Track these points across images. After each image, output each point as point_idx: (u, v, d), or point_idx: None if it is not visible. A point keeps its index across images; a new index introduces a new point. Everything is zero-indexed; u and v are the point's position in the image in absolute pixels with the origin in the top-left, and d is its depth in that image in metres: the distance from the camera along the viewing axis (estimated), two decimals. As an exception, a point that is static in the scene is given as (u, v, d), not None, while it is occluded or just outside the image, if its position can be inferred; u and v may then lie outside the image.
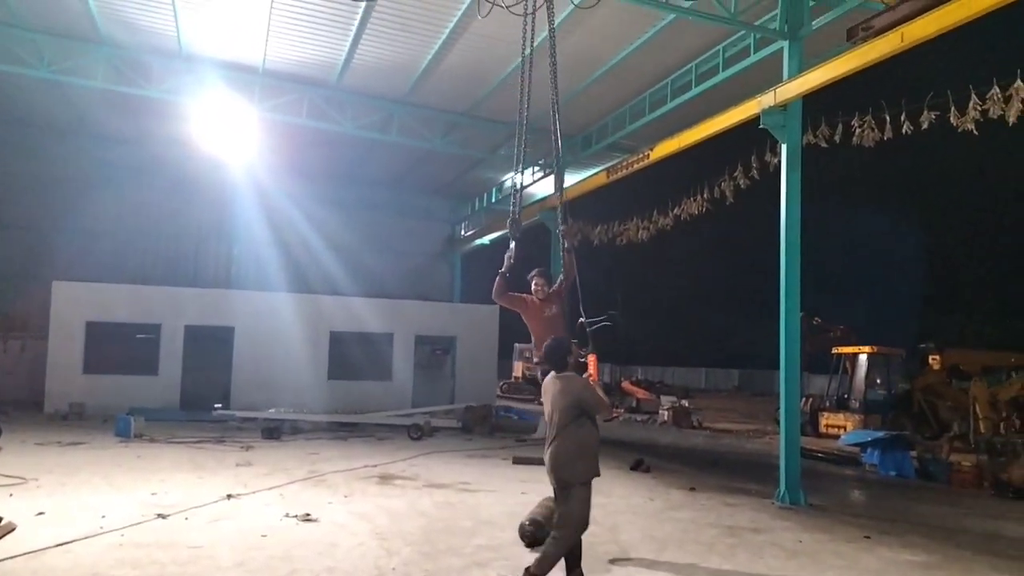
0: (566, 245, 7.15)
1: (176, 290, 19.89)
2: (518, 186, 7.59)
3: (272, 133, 17.80)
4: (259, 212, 22.56)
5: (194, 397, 18.57)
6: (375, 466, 12.09)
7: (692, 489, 11.32)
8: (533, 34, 6.95)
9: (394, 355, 21.24)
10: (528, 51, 6.94)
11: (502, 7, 6.53)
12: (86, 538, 6.95)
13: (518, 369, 41.70)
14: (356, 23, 13.64)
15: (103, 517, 7.76)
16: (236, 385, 19.21)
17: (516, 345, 42.06)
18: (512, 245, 7.14)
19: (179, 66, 15.57)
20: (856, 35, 8.63)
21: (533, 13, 6.81)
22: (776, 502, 10.55)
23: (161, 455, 12.39)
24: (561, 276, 7.25)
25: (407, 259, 26.40)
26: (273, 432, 15.12)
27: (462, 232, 26.96)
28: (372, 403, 19.31)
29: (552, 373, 5.89)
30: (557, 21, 12.92)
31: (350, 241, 24.49)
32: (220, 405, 17.86)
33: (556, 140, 7.48)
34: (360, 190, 25.04)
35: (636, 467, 13.00)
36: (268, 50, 15.05)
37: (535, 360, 7.35)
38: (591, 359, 5.97)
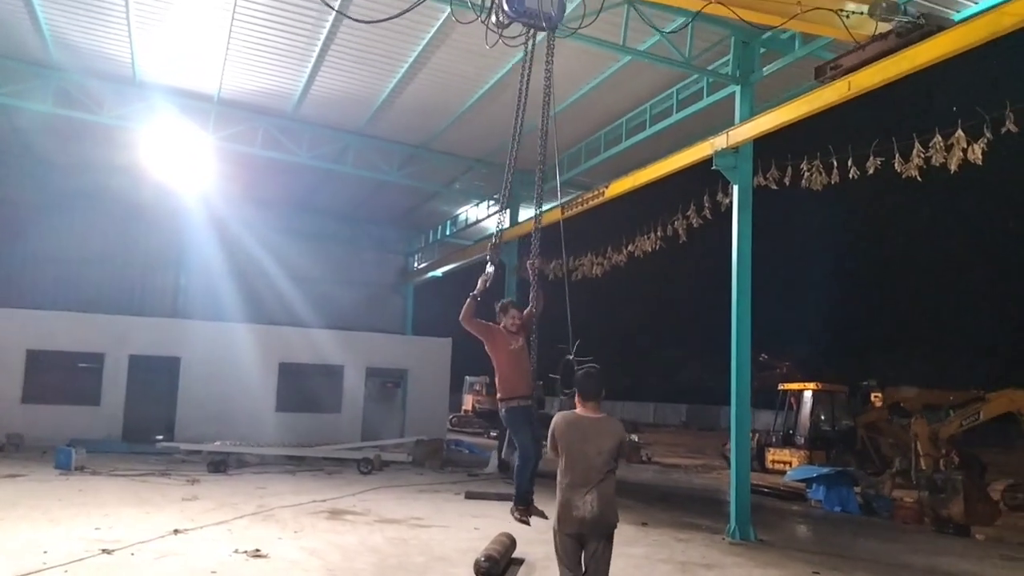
0: (536, 279, 6.95)
1: (121, 318, 19.46)
2: (505, 208, 7.12)
3: (225, 161, 17.63)
4: (210, 240, 22.23)
5: (137, 429, 18.11)
6: (324, 501, 11.90)
7: (644, 524, 11.38)
8: (531, 69, 6.73)
9: (344, 387, 20.99)
10: (524, 86, 6.79)
11: (501, 37, 6.48)
12: (28, 575, 6.71)
13: (468, 402, 41.53)
14: (315, 54, 13.65)
15: (45, 553, 7.51)
16: (181, 417, 18.79)
17: (466, 378, 41.92)
18: (489, 269, 6.89)
19: (132, 93, 15.39)
20: (824, 74, 8.87)
21: (533, 47, 6.73)
22: (727, 537, 10.66)
23: (104, 488, 12.04)
24: (530, 308, 7.07)
25: (360, 289, 26.22)
26: (219, 465, 14.80)
27: (415, 264, 26.92)
28: (321, 436, 19.03)
29: (579, 408, 5.45)
30: (514, 61, 13.21)
31: (302, 271, 24.25)
32: (161, 437, 17.42)
33: (540, 175, 7.19)
34: (313, 219, 24.87)
35: (587, 502, 13.02)
36: (224, 79, 14.97)
37: (498, 395, 7.02)
38: (578, 401, 5.64)
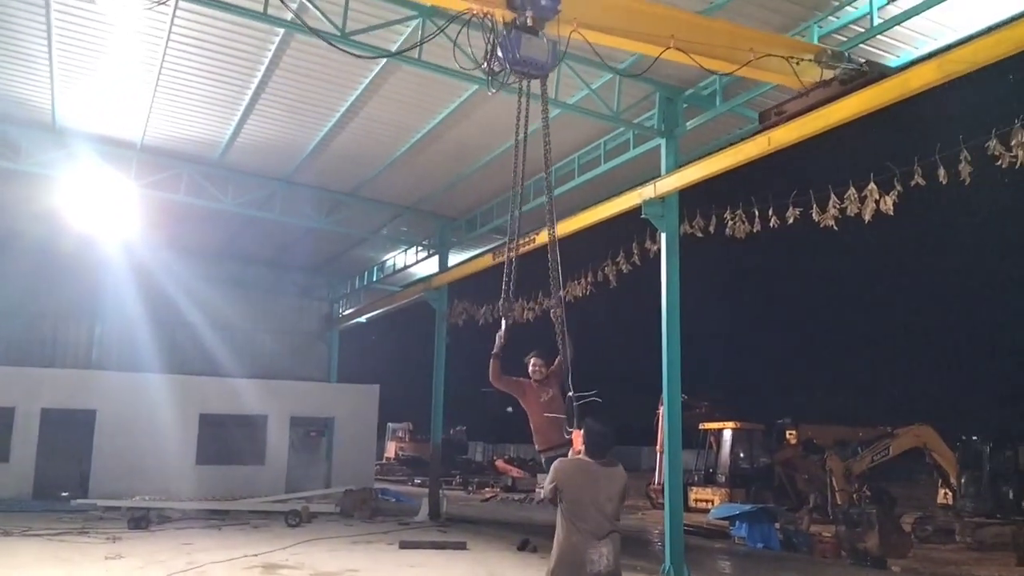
0: (562, 327, 6.64)
1: (31, 371, 18.67)
2: (513, 262, 6.86)
3: (147, 208, 17.19)
4: (129, 289, 21.45)
5: (50, 486, 17.28)
6: (256, 555, 11.63)
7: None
8: (527, 113, 6.67)
9: (268, 437, 20.53)
10: (522, 133, 6.75)
11: (495, 83, 6.50)
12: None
13: (391, 449, 41.07)
14: (245, 103, 13.62)
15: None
16: (97, 472, 18.02)
17: (389, 425, 41.48)
18: (504, 324, 6.76)
19: (51, 139, 14.98)
20: (769, 118, 9.27)
21: (527, 91, 6.70)
22: (662, 577, 10.88)
23: (18, 549, 11.47)
24: (558, 358, 6.87)
25: (283, 337, 25.73)
26: (140, 521, 14.27)
27: (341, 310, 26.68)
28: (244, 488, 18.56)
29: (583, 455, 5.18)
30: (447, 111, 13.51)
31: (224, 319, 23.68)
32: (68, 493, 16.65)
33: (551, 221, 6.89)
34: (236, 266, 24.39)
35: (523, 547, 13.08)
36: (149, 126, 14.74)
37: (537, 447, 6.89)
38: (576, 434, 5.47)
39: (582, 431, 5.24)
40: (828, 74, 8.44)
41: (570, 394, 5.95)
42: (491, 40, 6.24)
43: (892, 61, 10.38)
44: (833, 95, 8.48)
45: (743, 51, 7.80)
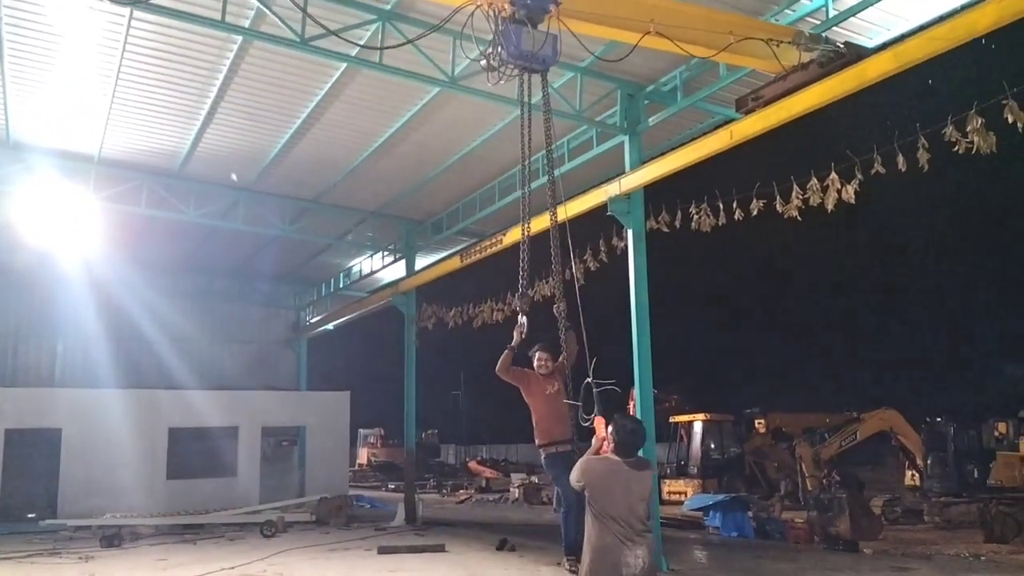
0: (566, 324, 6.86)
1: (-8, 391, 18.24)
2: (526, 256, 6.97)
3: (107, 221, 16.88)
4: (89, 305, 21.11)
5: (16, 507, 16.89)
6: (233, 568, 11.47)
7: (559, 564, 11.53)
8: (530, 107, 6.80)
9: (239, 449, 20.26)
10: (527, 125, 6.92)
11: (495, 73, 6.52)
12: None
13: (363, 456, 40.88)
14: (204, 112, 13.46)
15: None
16: (65, 491, 17.63)
17: (360, 431, 41.28)
18: (522, 319, 6.87)
19: (6, 154, 14.67)
20: (746, 104, 9.25)
21: (529, 80, 6.73)
22: (641, 570, 10.96)
23: (-13, 575, 11.23)
24: (562, 355, 7.07)
25: (251, 347, 25.49)
26: (113, 539, 14.02)
27: (308, 318, 26.47)
28: (217, 501, 18.30)
29: (611, 455, 5.11)
30: (409, 114, 13.47)
31: (190, 331, 23.39)
32: (34, 515, 16.30)
33: (554, 216, 7.07)
34: (200, 278, 24.13)
35: (501, 547, 13.07)
36: (106, 139, 14.49)
37: (537, 442, 7.53)
38: (599, 421, 5.45)
39: (611, 429, 5.17)
40: (806, 57, 8.43)
41: (587, 380, 5.95)
42: (494, 34, 6.29)
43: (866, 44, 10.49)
44: (811, 78, 8.41)
45: (722, 35, 7.79)
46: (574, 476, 5.13)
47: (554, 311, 6.88)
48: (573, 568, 6.87)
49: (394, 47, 9.76)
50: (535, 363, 7.30)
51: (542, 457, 7.27)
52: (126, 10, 10.13)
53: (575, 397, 6.41)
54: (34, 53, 11.59)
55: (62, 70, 12.05)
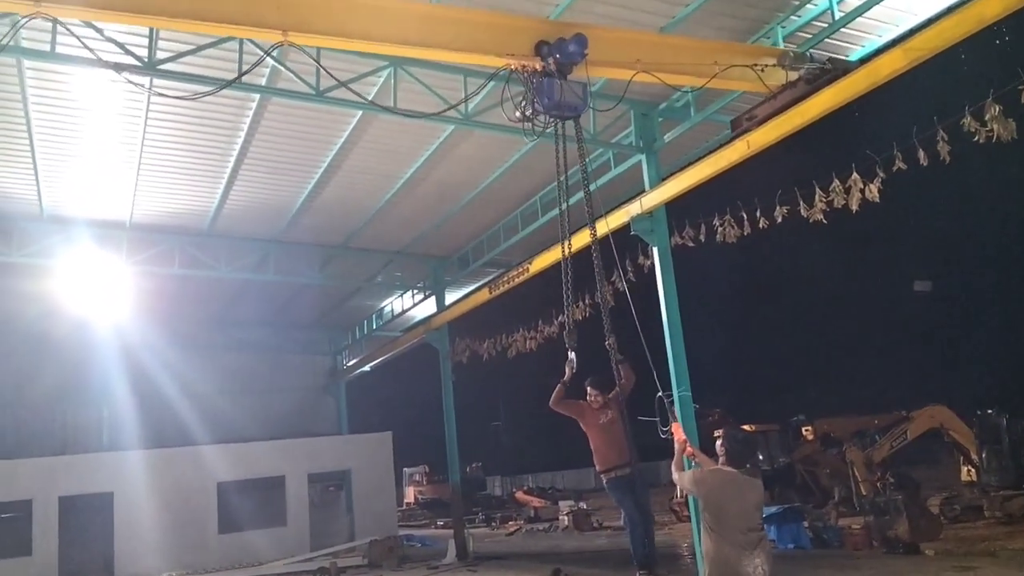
0: (619, 357, 7.20)
1: (46, 460, 18.52)
2: (568, 298, 7.35)
3: (142, 283, 17.28)
4: (130, 367, 21.48)
5: (75, 572, 17.12)
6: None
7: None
8: (566, 153, 7.15)
9: (287, 497, 20.38)
10: (563, 167, 7.23)
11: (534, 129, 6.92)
12: None
13: (410, 494, 40.77)
14: (228, 170, 13.75)
15: None
16: (120, 554, 17.83)
17: (404, 470, 41.21)
18: (571, 356, 7.18)
19: (41, 229, 15.07)
20: (740, 125, 9.42)
21: (563, 133, 7.12)
22: (700, 589, 10.82)
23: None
24: (619, 386, 7.48)
25: (290, 396, 25.69)
26: (171, 598, 14.18)
27: (344, 362, 26.67)
28: (269, 552, 18.41)
29: (722, 465, 5.26)
30: (427, 154, 13.65)
31: (230, 384, 23.66)
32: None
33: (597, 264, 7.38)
34: (236, 331, 24.41)
35: (555, 577, 13.00)
36: (136, 205, 14.86)
37: (597, 468, 8.02)
38: (676, 427, 5.74)
39: (721, 441, 5.34)
40: (793, 75, 8.63)
41: (659, 394, 6.28)
42: (528, 89, 6.73)
43: (858, 52, 10.57)
44: (800, 95, 8.65)
45: (707, 64, 7.97)
46: (687, 482, 5.38)
47: (606, 346, 7.18)
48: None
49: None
50: (588, 396, 7.78)
51: (604, 482, 7.73)
52: (146, 79, 10.43)
53: (647, 413, 6.63)
54: (61, 128, 11.98)
55: (88, 142, 12.44)
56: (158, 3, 6.18)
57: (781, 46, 9.71)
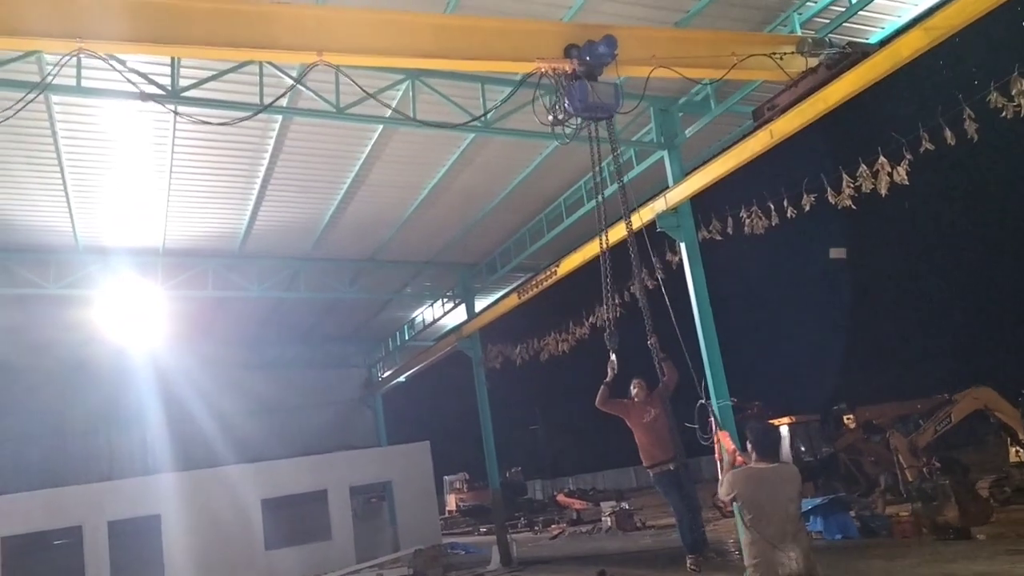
0: (662, 355, 7.42)
1: (93, 487, 18.83)
2: (608, 297, 7.50)
3: (177, 307, 17.58)
4: (169, 391, 21.80)
5: (127, 597, 17.39)
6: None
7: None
8: (600, 152, 7.26)
9: (330, 511, 20.52)
10: (597, 168, 7.34)
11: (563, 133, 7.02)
12: None
13: (451, 502, 40.85)
14: (255, 191, 13.93)
15: None
16: (170, 574, 18.11)
17: (444, 478, 41.33)
18: (612, 357, 7.45)
19: (77, 260, 15.38)
20: (763, 115, 9.33)
21: (597, 133, 7.26)
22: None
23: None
24: (660, 384, 7.83)
25: (327, 410, 25.95)
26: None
27: (380, 374, 26.85)
28: (315, 566, 18.54)
29: (755, 461, 5.25)
30: (449, 163, 13.72)
31: (268, 401, 23.99)
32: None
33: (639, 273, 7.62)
34: (272, 348, 24.73)
35: (601, 578, 12.96)
36: (168, 231, 15.10)
37: (644, 463, 8.27)
38: (723, 435, 5.73)
39: (748, 439, 5.35)
40: (813, 62, 8.52)
41: (700, 402, 6.36)
42: (558, 92, 6.82)
43: (878, 34, 10.45)
44: (821, 81, 8.57)
45: (725, 56, 7.91)
46: (724, 491, 5.34)
47: (648, 345, 7.30)
48: (695, 566, 7.69)
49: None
50: (632, 391, 8.15)
51: (651, 476, 8.09)
52: (171, 107, 10.61)
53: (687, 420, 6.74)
54: (90, 160, 12.22)
55: (118, 172, 12.66)
56: (197, 33, 6.29)
57: (799, 34, 9.64)
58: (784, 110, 8.92)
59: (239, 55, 7.12)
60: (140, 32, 6.15)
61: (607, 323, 7.47)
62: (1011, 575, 9.81)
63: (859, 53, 8.43)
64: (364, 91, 8.04)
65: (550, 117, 6.99)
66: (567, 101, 6.76)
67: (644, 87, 7.76)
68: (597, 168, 7.23)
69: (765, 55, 8.25)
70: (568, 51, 6.89)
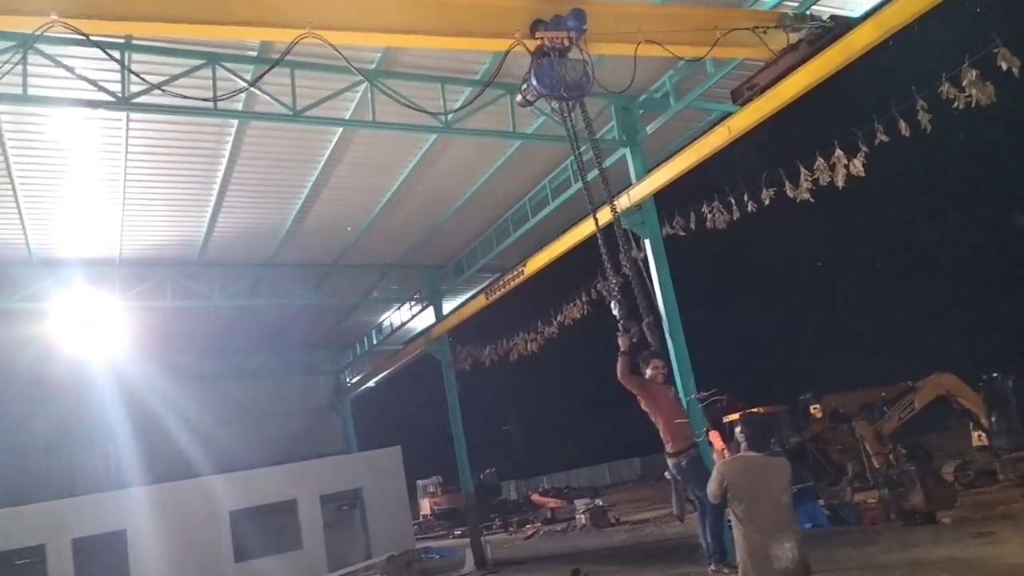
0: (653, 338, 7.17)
1: (54, 503, 18.35)
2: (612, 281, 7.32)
3: (137, 318, 17.23)
4: (131, 403, 21.31)
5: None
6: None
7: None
8: (576, 137, 7.16)
9: (301, 520, 20.28)
10: (576, 153, 7.33)
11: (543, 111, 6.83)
12: None
13: (425, 506, 40.66)
14: (213, 198, 13.70)
15: None
16: (137, 591, 17.78)
17: (418, 482, 41.11)
18: (621, 322, 7.03)
19: (31, 273, 14.99)
20: (742, 95, 9.11)
21: (571, 114, 7.12)
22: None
23: None
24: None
25: (295, 419, 25.60)
26: (191, 632, 14.10)
27: (348, 380, 26.61)
28: (288, 576, 18.36)
29: (745, 451, 5.24)
30: (411, 165, 13.61)
31: (234, 412, 23.57)
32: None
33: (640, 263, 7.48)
34: (236, 358, 24.32)
35: (575, 577, 12.94)
36: (124, 241, 14.80)
37: (670, 449, 7.45)
38: (714, 435, 5.64)
39: (739, 428, 5.31)
40: (794, 38, 8.33)
41: (693, 396, 6.10)
42: (529, 71, 6.55)
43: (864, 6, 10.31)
44: (803, 57, 8.28)
45: (708, 31, 7.75)
46: (713, 486, 5.21)
47: (643, 327, 7.10)
48: (718, 569, 6.99)
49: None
50: (650, 371, 7.41)
51: (682, 464, 7.22)
52: (122, 114, 10.40)
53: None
54: (41, 171, 11.92)
55: (71, 182, 12.39)
56: (181, 9, 6.13)
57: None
58: (764, 89, 8.68)
59: (226, 32, 6.87)
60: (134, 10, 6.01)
61: (609, 292, 7.18)
62: (976, 558, 9.95)
63: (842, 27, 8.17)
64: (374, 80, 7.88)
65: (518, 98, 6.76)
66: (534, 79, 6.49)
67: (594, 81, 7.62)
68: (577, 152, 7.22)
69: (748, 29, 8.09)
70: (535, 26, 6.60)
